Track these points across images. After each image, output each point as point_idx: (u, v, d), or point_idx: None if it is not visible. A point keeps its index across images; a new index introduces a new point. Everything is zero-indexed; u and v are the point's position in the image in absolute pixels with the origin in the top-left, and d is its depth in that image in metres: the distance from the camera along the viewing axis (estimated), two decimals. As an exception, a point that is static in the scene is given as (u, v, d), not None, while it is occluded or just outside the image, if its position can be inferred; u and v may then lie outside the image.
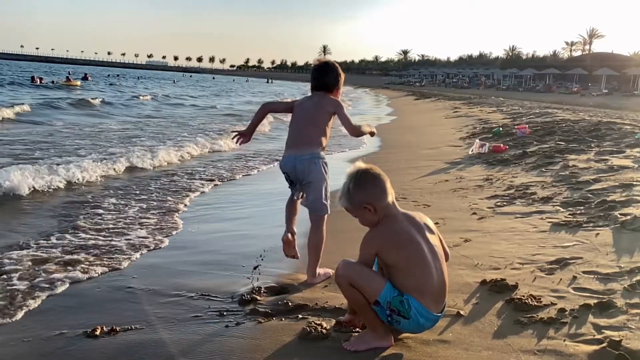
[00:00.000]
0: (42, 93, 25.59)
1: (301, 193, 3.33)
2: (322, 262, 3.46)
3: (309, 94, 3.50)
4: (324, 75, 3.38)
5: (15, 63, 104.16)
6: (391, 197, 2.39)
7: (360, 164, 2.43)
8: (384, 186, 2.37)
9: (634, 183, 4.99)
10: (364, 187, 2.35)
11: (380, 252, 2.34)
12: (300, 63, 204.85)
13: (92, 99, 21.63)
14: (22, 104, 16.72)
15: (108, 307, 2.99)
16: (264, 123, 10.26)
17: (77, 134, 11.54)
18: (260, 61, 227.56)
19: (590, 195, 4.78)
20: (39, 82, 33.58)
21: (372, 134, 3.46)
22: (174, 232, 4.57)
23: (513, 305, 2.65)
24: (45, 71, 62.01)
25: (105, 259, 3.79)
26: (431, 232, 2.41)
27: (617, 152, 7.03)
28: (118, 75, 67.73)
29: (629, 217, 3.82)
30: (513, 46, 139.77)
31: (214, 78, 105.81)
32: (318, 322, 2.56)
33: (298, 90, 51.38)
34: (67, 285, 3.30)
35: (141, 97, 26.14)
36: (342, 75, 3.44)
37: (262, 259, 3.59)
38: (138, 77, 73.89)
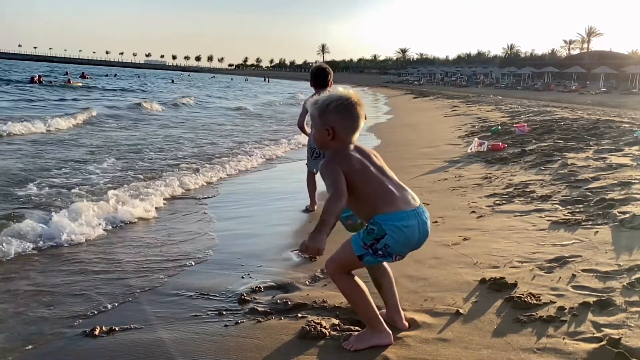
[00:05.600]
0: (57, 94, 25.28)
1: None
2: (324, 262, 3.46)
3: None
4: (324, 77, 4.95)
5: (15, 62, 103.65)
6: (355, 138, 2.42)
7: (355, 95, 2.41)
8: (357, 126, 2.39)
9: (633, 181, 4.99)
10: (342, 114, 2.35)
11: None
12: (299, 62, 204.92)
13: (145, 102, 21.25)
14: (87, 108, 16.57)
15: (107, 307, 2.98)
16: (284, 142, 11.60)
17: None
18: (258, 60, 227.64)
19: (589, 194, 4.78)
20: (37, 81, 33.39)
21: None
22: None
23: (512, 304, 2.65)
24: (46, 71, 61.68)
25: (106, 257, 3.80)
26: (378, 158, 2.46)
27: (616, 150, 7.03)
28: (116, 75, 67.24)
29: (627, 215, 3.82)
30: (511, 45, 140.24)
31: (213, 77, 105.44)
32: (317, 321, 2.56)
33: (306, 90, 51.34)
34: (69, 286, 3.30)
35: (182, 100, 25.47)
36: (330, 72, 5.05)
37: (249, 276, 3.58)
38: (138, 76, 73.68)
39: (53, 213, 4.62)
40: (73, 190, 5.81)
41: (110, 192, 5.48)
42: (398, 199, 2.29)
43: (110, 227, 4.59)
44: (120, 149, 9.65)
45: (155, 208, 5.33)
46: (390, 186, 2.33)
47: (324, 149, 2.44)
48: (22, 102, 19.72)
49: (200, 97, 30.97)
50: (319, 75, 4.96)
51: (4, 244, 3.81)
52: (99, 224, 4.53)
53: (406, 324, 2.54)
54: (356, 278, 2.39)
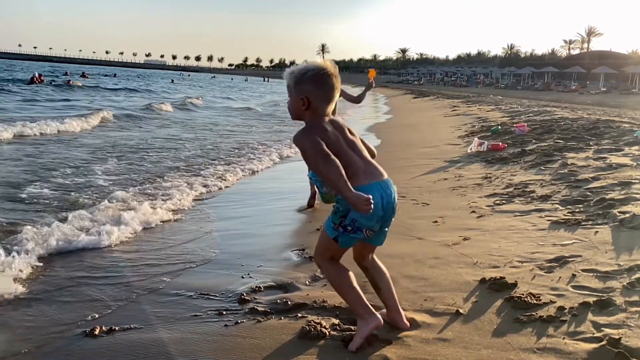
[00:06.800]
0: (62, 95, 25.10)
1: None
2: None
3: None
4: None
5: (15, 63, 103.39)
6: (330, 110, 2.42)
7: (333, 66, 2.41)
8: (332, 97, 2.39)
9: (633, 181, 4.99)
10: (318, 84, 2.35)
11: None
12: (299, 62, 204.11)
13: (157, 105, 21.02)
14: (99, 110, 16.37)
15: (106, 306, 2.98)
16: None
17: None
18: (258, 60, 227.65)
19: (589, 194, 4.78)
20: (37, 80, 33.24)
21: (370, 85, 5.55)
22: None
23: (512, 304, 2.65)
24: (47, 70, 61.48)
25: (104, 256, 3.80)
26: (352, 134, 2.45)
27: (616, 150, 7.04)
28: (115, 75, 67.00)
29: (627, 215, 3.82)
30: (511, 45, 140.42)
31: (214, 77, 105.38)
32: (317, 321, 2.56)
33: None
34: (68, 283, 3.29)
35: (190, 101, 25.53)
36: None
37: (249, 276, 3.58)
38: (138, 76, 73.58)
39: (84, 217, 4.61)
40: (83, 194, 5.79)
41: (131, 196, 5.51)
42: (361, 174, 2.30)
43: (134, 231, 4.52)
44: (139, 149, 9.64)
45: (175, 210, 5.34)
46: (356, 161, 2.33)
47: (297, 119, 2.44)
48: (27, 102, 19.59)
49: (206, 98, 31.06)
50: None
51: (28, 250, 3.76)
52: (136, 226, 4.53)
53: (407, 323, 2.55)
54: (342, 265, 2.45)
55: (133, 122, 15.44)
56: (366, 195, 2.12)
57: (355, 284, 2.43)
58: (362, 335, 2.35)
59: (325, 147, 2.23)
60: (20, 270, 3.42)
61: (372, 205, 2.11)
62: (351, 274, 2.46)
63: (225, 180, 7.04)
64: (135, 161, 8.28)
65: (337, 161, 2.19)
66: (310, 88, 2.35)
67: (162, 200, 5.54)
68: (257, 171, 8.12)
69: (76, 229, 4.32)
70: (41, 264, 3.64)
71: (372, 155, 2.52)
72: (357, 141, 2.44)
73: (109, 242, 4.12)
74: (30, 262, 3.58)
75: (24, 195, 5.59)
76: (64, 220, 4.56)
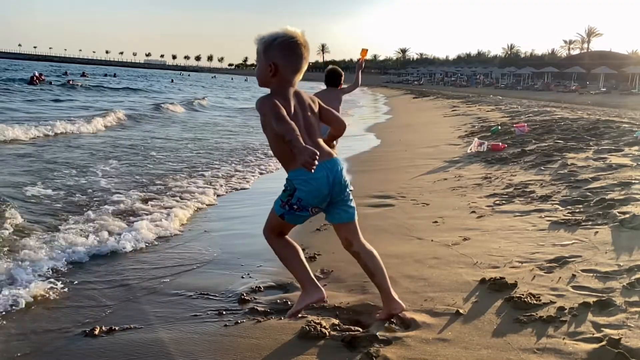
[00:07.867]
0: (66, 95, 25.02)
1: None
2: (324, 262, 3.46)
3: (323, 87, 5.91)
4: (336, 78, 5.77)
5: (16, 62, 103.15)
6: (297, 80, 2.45)
7: (302, 36, 2.41)
8: (300, 67, 2.42)
9: (633, 181, 4.99)
10: (286, 51, 2.37)
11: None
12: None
13: (166, 105, 21.06)
14: (111, 110, 16.32)
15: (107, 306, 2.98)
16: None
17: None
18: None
19: (589, 194, 4.78)
20: (37, 80, 33.10)
21: (359, 65, 6.02)
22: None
23: (512, 304, 2.65)
24: (48, 70, 61.27)
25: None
26: (313, 112, 2.47)
27: (616, 150, 7.03)
28: (115, 75, 66.76)
29: (627, 215, 3.82)
30: (511, 45, 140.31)
31: (214, 77, 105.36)
32: (317, 321, 2.55)
33: (309, 90, 51.55)
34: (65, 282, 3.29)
35: (196, 101, 25.86)
36: (342, 74, 5.84)
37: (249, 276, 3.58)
38: (138, 76, 73.53)
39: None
40: (104, 196, 5.79)
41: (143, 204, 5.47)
42: None
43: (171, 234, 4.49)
44: (153, 150, 9.65)
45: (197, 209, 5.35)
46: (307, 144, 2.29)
47: (264, 86, 2.45)
48: (33, 103, 19.52)
49: (210, 98, 31.14)
50: (330, 76, 5.73)
51: (58, 256, 3.73)
52: (174, 230, 4.54)
53: (403, 305, 2.57)
54: (289, 239, 2.55)
55: (145, 122, 15.50)
56: (314, 150, 2.09)
57: (302, 257, 2.53)
58: (302, 304, 2.43)
59: (284, 111, 2.25)
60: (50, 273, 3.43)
61: (315, 163, 2.08)
62: (298, 248, 2.56)
63: (247, 181, 7.10)
64: (152, 162, 8.29)
65: (291, 122, 2.20)
66: (278, 55, 2.37)
67: (185, 201, 5.54)
68: (270, 171, 8.13)
69: (106, 232, 4.31)
70: (72, 267, 3.64)
71: (342, 128, 2.58)
72: (315, 123, 2.46)
73: (141, 246, 4.11)
74: (63, 267, 3.58)
75: (38, 196, 5.56)
76: (89, 221, 4.61)
